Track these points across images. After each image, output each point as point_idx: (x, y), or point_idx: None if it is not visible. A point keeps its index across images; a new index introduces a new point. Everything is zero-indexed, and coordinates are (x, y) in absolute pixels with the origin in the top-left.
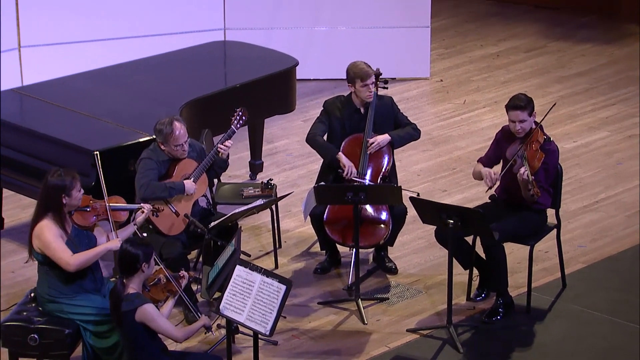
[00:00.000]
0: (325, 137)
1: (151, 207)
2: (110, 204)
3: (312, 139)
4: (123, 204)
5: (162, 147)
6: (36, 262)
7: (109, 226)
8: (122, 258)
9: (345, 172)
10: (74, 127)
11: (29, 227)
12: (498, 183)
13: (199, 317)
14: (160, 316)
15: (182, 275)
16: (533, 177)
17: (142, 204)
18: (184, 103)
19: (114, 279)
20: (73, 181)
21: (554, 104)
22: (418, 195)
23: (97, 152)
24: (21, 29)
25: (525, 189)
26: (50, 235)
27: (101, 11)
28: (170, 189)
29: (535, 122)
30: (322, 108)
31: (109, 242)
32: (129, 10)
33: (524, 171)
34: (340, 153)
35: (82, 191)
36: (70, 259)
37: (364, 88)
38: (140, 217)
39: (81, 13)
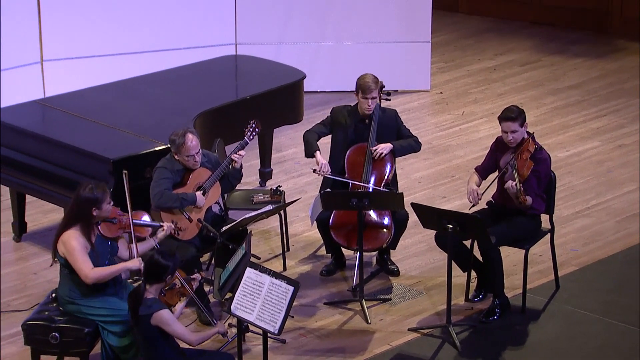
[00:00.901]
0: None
1: (172, 227)
2: (135, 220)
3: (305, 135)
4: (146, 221)
5: (176, 157)
6: (58, 264)
7: (131, 237)
8: (152, 267)
9: (317, 169)
10: (93, 137)
11: (50, 230)
12: (479, 201)
13: (215, 323)
14: (175, 321)
15: (194, 277)
16: (521, 186)
17: (162, 223)
18: (198, 114)
19: (131, 280)
20: (104, 194)
21: (533, 133)
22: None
23: (126, 172)
24: (43, 43)
25: (514, 197)
26: (75, 244)
27: (119, 27)
28: (182, 199)
29: (528, 132)
30: (329, 114)
31: (128, 261)
32: (146, 26)
33: (510, 183)
34: (317, 152)
35: (112, 203)
36: (89, 272)
37: (363, 100)
38: (160, 234)
39: (100, 29)
